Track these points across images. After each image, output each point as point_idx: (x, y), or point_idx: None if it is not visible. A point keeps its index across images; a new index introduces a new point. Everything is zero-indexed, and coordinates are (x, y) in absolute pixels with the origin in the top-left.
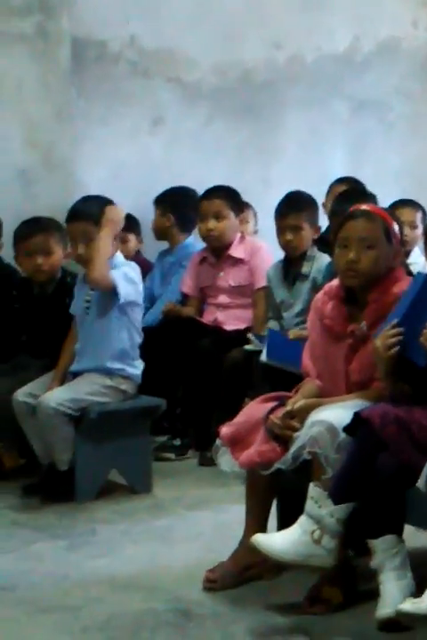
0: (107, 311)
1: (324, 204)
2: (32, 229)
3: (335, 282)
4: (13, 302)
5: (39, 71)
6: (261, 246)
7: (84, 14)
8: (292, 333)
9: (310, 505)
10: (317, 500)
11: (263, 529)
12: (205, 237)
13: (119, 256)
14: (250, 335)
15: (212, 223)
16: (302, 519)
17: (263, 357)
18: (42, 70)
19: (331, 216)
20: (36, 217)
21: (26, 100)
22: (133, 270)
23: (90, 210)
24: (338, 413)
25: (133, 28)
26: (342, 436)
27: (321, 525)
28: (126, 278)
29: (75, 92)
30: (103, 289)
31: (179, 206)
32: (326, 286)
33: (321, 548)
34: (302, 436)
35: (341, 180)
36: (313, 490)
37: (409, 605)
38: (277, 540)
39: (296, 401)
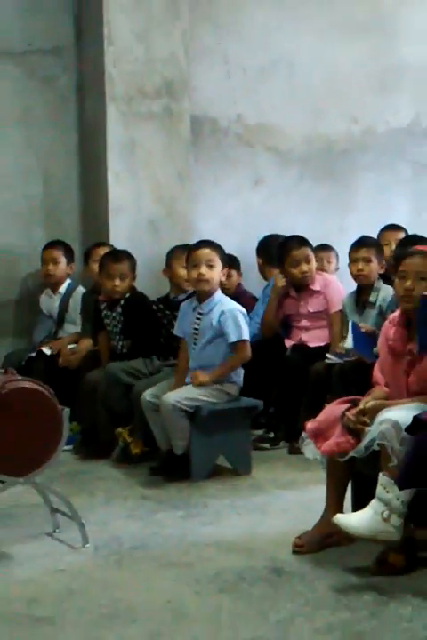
0: (221, 344)
1: None
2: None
3: (398, 312)
4: (152, 305)
5: (165, 142)
6: (333, 279)
7: (201, 97)
8: (363, 326)
9: (379, 490)
10: (385, 487)
11: (341, 505)
12: (299, 279)
13: (219, 293)
14: (328, 355)
15: (305, 267)
16: (374, 502)
17: (349, 344)
18: (167, 141)
19: (394, 257)
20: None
21: (154, 165)
22: (241, 310)
23: (212, 242)
24: (401, 414)
25: (239, 108)
26: (405, 432)
27: (389, 507)
28: (243, 321)
29: (192, 158)
30: None
31: (264, 249)
32: (391, 316)
33: (390, 525)
34: (372, 431)
35: (387, 228)
36: (382, 478)
37: None
38: (353, 519)
39: (368, 402)
